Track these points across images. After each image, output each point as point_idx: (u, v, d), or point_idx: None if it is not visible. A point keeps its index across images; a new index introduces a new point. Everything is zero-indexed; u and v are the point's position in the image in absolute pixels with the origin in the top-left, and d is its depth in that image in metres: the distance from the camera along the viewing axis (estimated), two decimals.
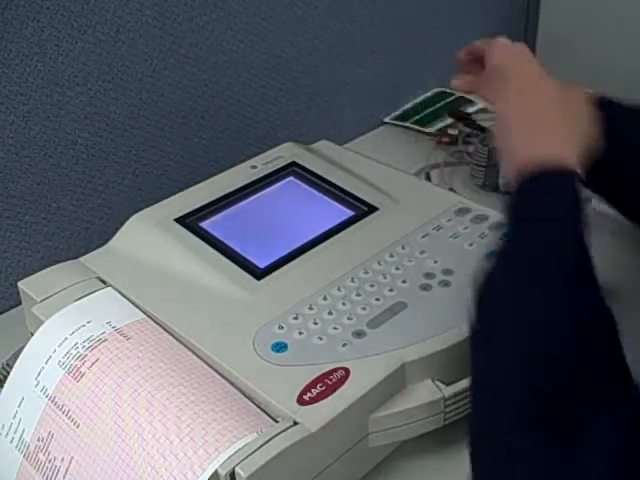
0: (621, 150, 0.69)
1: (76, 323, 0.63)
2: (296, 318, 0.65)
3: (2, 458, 0.61)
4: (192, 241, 0.72)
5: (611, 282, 0.83)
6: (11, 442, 0.60)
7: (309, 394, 0.58)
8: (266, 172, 0.82)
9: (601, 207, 0.93)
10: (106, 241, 0.75)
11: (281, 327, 0.64)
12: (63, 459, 0.57)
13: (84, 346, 0.61)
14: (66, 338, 0.61)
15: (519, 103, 0.64)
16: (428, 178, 1.00)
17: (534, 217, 0.56)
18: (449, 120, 1.11)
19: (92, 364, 0.59)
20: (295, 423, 0.56)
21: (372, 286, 0.68)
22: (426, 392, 0.62)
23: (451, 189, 0.93)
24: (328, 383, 0.59)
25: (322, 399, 0.57)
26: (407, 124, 1.13)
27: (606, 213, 0.93)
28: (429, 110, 1.16)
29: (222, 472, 0.52)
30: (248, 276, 0.69)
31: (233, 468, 0.52)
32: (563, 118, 0.61)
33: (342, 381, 0.59)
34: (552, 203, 0.56)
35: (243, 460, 0.52)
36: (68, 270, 0.70)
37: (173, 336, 0.64)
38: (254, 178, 0.81)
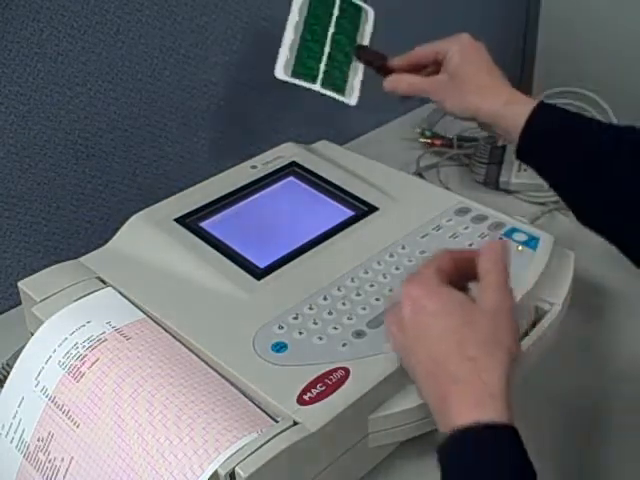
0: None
1: (76, 323, 0.63)
2: (296, 318, 0.65)
3: (2, 458, 0.61)
4: (192, 241, 0.72)
5: (611, 282, 0.83)
6: (11, 442, 0.60)
7: (309, 394, 0.58)
8: (266, 172, 0.82)
9: None
10: (106, 241, 0.75)
11: (281, 327, 0.64)
12: (63, 459, 0.57)
13: (84, 346, 0.61)
14: (66, 338, 0.61)
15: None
16: (423, 177, 1.01)
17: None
18: None
19: (92, 364, 0.59)
20: (295, 423, 0.56)
21: (372, 286, 0.68)
22: None
23: (447, 188, 0.93)
24: (328, 383, 0.59)
25: (322, 399, 0.57)
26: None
27: None
28: None
29: (222, 472, 0.52)
30: (248, 276, 0.69)
31: (233, 468, 0.52)
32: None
33: (342, 381, 0.59)
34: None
35: (243, 460, 0.52)
36: (68, 270, 0.70)
37: (173, 336, 0.64)
38: (254, 178, 0.81)
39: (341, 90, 0.78)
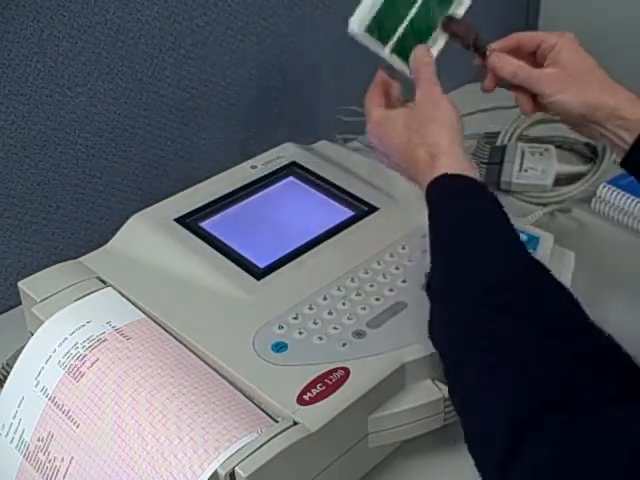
0: None
1: (76, 323, 0.63)
2: (296, 318, 0.65)
3: (2, 458, 0.61)
4: (192, 241, 0.72)
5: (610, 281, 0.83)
6: (11, 442, 0.60)
7: (309, 394, 0.58)
8: (266, 172, 0.82)
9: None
10: (106, 241, 0.75)
11: (281, 327, 0.64)
12: (63, 459, 0.57)
13: (84, 346, 0.61)
14: (66, 338, 0.61)
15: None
16: None
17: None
18: None
19: (92, 364, 0.59)
20: (295, 423, 0.56)
21: (372, 286, 0.68)
22: (426, 392, 0.62)
23: None
24: (328, 383, 0.59)
25: (322, 399, 0.57)
26: None
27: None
28: None
29: (222, 472, 0.52)
30: (248, 276, 0.69)
31: (233, 468, 0.52)
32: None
33: (342, 381, 0.59)
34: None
35: (243, 460, 0.52)
36: (68, 270, 0.70)
37: (173, 336, 0.64)
38: (254, 178, 0.81)
39: (408, 62, 0.72)
